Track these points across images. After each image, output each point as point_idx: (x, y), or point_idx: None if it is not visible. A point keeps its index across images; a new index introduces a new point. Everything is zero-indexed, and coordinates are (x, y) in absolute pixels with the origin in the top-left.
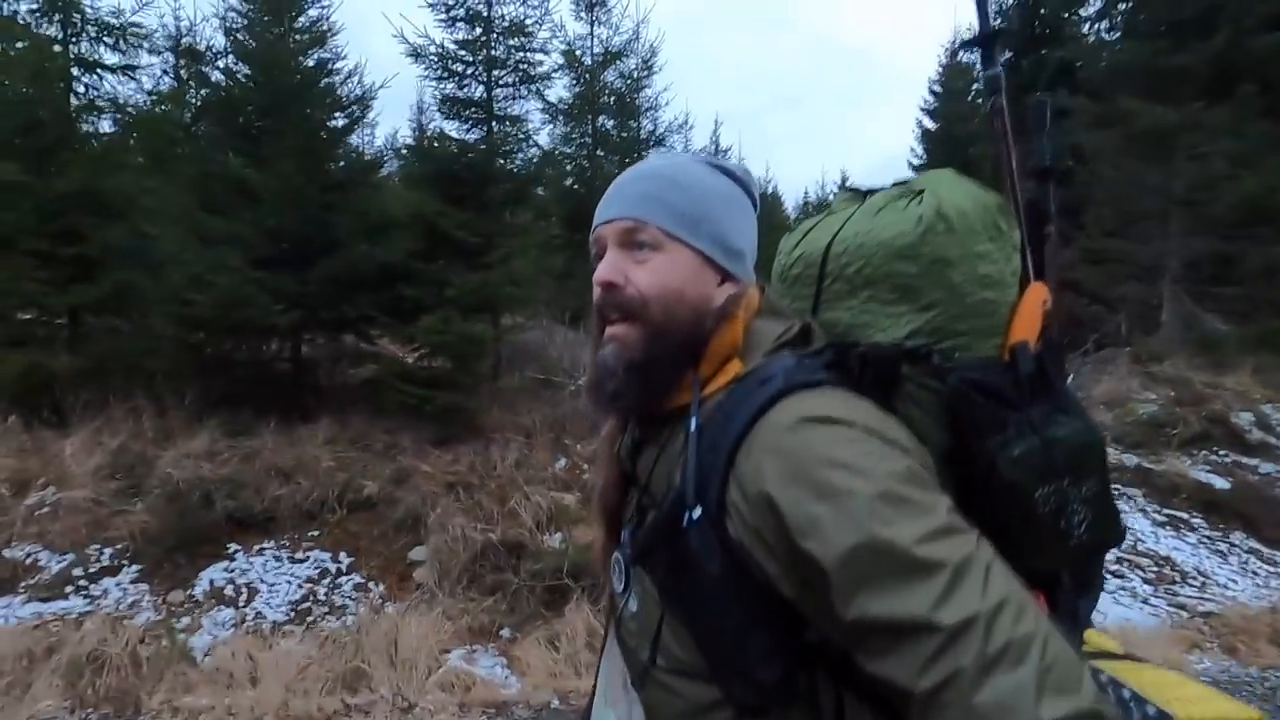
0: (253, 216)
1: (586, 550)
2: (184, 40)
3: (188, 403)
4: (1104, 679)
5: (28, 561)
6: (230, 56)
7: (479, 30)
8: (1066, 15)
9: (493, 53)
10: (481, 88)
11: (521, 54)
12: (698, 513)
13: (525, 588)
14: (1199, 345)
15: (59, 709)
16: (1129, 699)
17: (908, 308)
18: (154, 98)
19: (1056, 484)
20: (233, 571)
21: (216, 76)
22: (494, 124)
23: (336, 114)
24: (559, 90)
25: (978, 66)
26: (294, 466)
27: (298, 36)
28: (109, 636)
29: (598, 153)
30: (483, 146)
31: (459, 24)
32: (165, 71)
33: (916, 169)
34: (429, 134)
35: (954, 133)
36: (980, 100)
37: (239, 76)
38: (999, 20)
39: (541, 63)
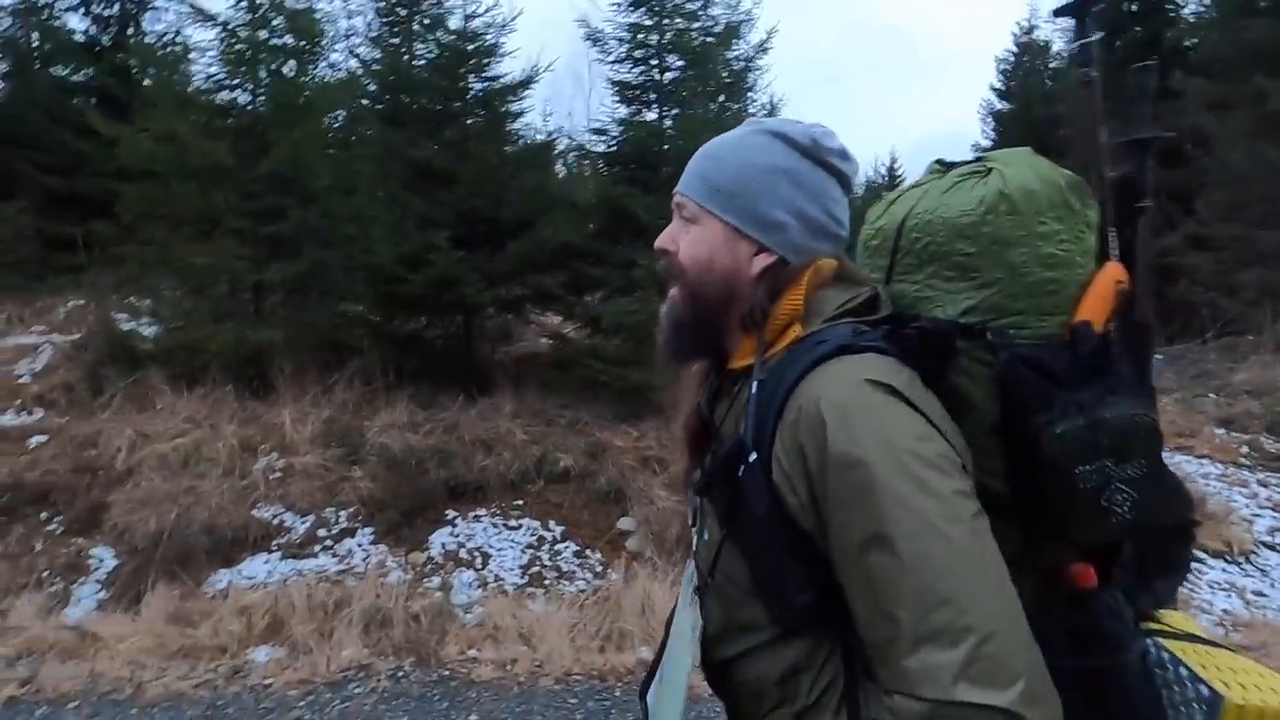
0: (450, 198)
1: None
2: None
3: (383, 377)
4: (1164, 656)
5: (275, 521)
6: (413, 41)
7: (654, 14)
8: None
9: (664, 36)
10: (656, 71)
11: (690, 36)
12: (753, 458)
13: None
14: None
15: (370, 656)
16: (1185, 677)
17: (965, 285)
18: (335, 81)
19: (1098, 463)
20: (459, 536)
21: (395, 61)
22: (664, 106)
23: (510, 97)
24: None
25: (1060, 40)
26: (494, 438)
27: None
28: (379, 593)
29: None
30: (668, 128)
31: (636, 9)
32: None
33: (982, 150)
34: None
35: (1033, 112)
36: (1052, 81)
37: (418, 60)
38: None
39: (704, 45)
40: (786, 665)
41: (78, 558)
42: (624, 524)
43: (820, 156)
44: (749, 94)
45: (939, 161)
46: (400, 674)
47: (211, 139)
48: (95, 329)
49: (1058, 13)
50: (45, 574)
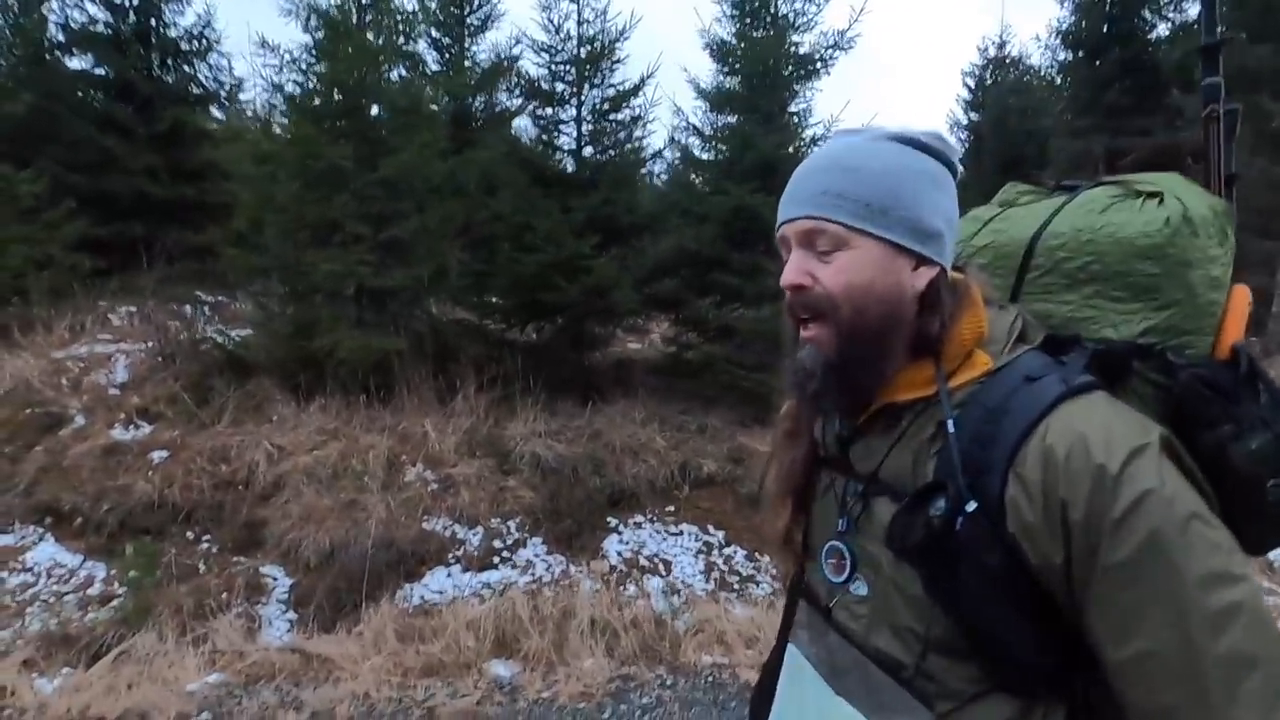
0: (582, 203)
1: None
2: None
3: (509, 384)
4: None
5: (446, 534)
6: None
7: (767, 25)
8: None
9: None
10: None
11: (794, 47)
12: (972, 507)
13: None
14: None
15: (619, 666)
16: None
17: (1142, 306)
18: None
19: None
20: (628, 543)
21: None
22: (773, 116)
23: (624, 105)
24: None
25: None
26: (639, 445)
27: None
28: (585, 602)
29: None
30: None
31: (750, 19)
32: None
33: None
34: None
35: (1008, 125)
36: (1021, 95)
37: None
38: (1223, 29)
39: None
40: None
41: (253, 577)
42: None
43: (948, 157)
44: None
45: (1032, 185)
46: (665, 682)
47: (334, 142)
48: (177, 336)
49: (1200, 51)
50: (224, 595)
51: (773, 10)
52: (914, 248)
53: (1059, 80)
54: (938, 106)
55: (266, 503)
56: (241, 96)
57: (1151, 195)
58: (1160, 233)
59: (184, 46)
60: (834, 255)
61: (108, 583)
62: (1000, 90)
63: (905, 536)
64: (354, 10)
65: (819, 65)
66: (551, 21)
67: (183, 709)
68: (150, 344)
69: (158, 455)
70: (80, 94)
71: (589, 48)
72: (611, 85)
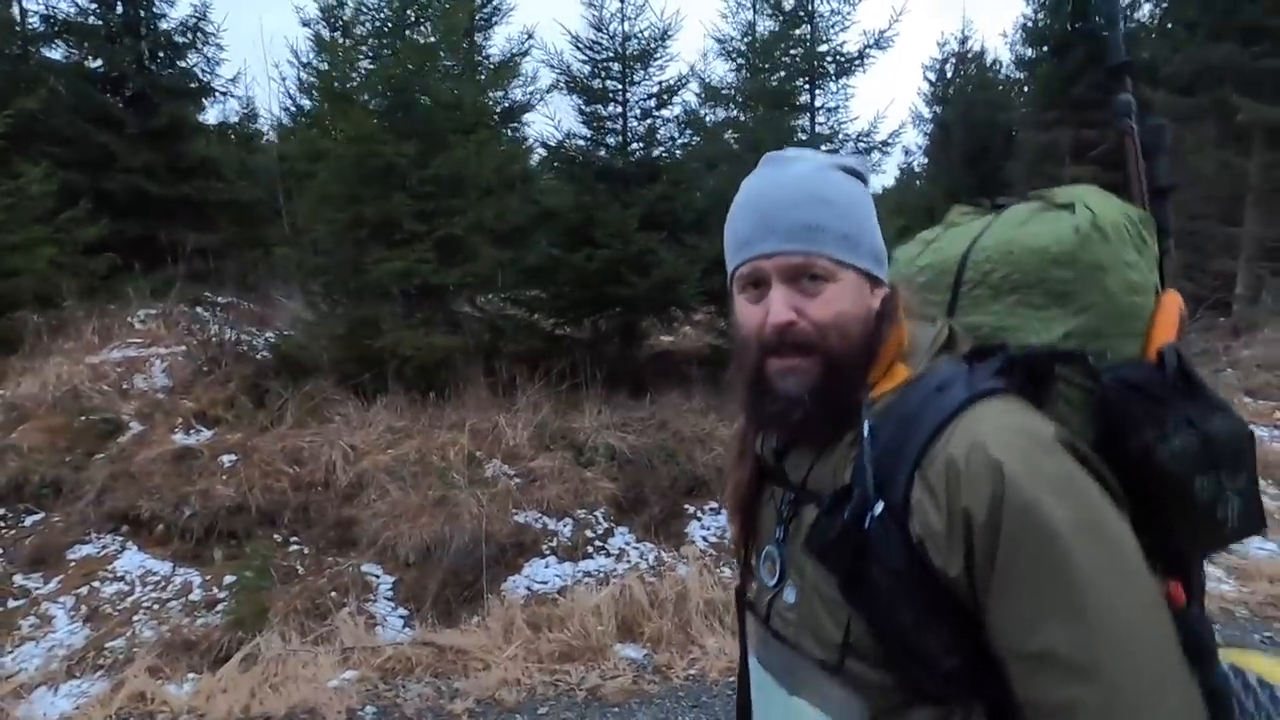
0: (628, 198)
1: None
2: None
3: (570, 377)
4: (1228, 666)
5: (539, 526)
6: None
7: (804, 26)
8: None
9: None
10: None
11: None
12: (879, 509)
13: None
14: None
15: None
16: (1254, 683)
17: (1060, 311)
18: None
19: (1213, 474)
20: (709, 529)
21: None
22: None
23: (670, 100)
24: None
25: (1004, 48)
26: (705, 435)
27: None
28: (694, 585)
29: None
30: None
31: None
32: None
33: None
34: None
35: (973, 118)
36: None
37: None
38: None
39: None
40: None
41: (356, 576)
42: None
43: (868, 179)
44: None
45: (966, 203)
46: None
47: (397, 139)
48: (219, 339)
49: (1107, 74)
50: (332, 594)
51: (810, 8)
52: (876, 273)
53: (1024, 75)
54: (899, 99)
55: (351, 502)
56: (241, 93)
57: (1065, 206)
58: (1070, 240)
59: (177, 39)
60: (821, 289)
61: (206, 588)
62: (965, 84)
63: (821, 539)
64: (406, 7)
65: (858, 62)
66: (597, 18)
67: (346, 704)
68: (187, 347)
69: (227, 459)
70: (66, 88)
71: (635, 43)
72: (657, 81)
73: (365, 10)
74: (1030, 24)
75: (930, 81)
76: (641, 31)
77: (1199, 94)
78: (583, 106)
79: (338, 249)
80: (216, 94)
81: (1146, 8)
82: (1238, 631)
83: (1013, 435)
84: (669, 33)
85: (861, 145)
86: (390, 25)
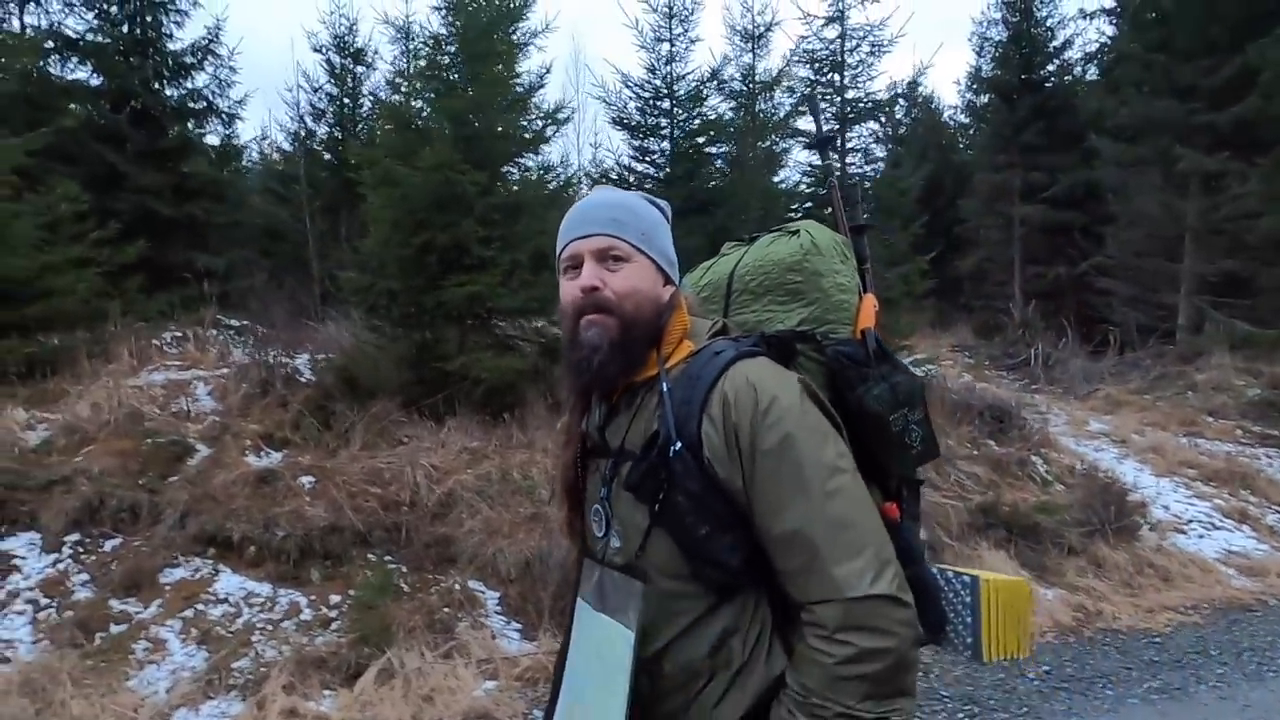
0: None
1: None
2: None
3: None
4: (935, 569)
5: None
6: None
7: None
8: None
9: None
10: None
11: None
12: (678, 445)
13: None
14: (1230, 344)
15: None
16: (952, 576)
17: (797, 305)
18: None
19: (899, 412)
20: None
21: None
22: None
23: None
24: None
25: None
26: None
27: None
28: None
29: None
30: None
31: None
32: None
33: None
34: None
35: (927, 157)
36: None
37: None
38: (832, 125)
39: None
40: (716, 635)
41: (464, 591)
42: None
43: (668, 214)
44: None
45: (735, 240)
46: None
47: (470, 168)
48: (272, 362)
49: (808, 146)
50: (445, 610)
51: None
52: (665, 270)
53: (977, 121)
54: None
55: (443, 520)
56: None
57: (794, 233)
58: (798, 254)
59: (186, 60)
60: (621, 266)
61: (315, 607)
62: (918, 126)
63: (635, 477)
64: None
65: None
66: (651, 61)
67: (515, 709)
68: (232, 370)
69: (306, 480)
70: (74, 106)
71: (684, 84)
72: (699, 115)
73: (426, 44)
74: (979, 73)
75: (880, 121)
76: (688, 73)
77: (1142, 143)
78: (631, 140)
79: (405, 274)
80: (224, 115)
81: (1092, 68)
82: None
83: (767, 374)
84: (717, 74)
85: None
86: (455, 59)
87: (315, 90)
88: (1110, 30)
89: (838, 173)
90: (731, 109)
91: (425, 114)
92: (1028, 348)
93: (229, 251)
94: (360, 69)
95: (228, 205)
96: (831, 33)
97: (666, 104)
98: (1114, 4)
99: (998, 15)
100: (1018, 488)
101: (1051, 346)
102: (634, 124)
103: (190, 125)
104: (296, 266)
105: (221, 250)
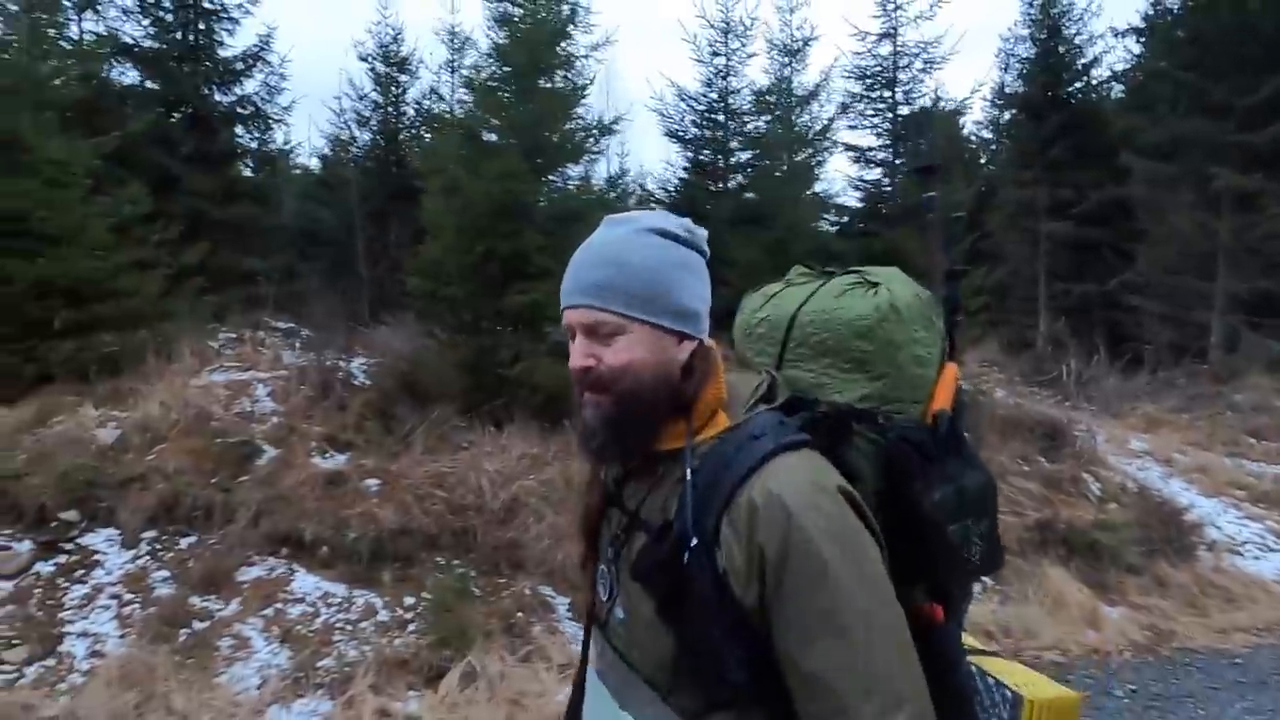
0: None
1: None
2: None
3: None
4: (973, 669)
5: None
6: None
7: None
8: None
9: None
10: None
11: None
12: (694, 542)
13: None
14: (1266, 364)
15: None
16: (992, 685)
17: (861, 376)
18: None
19: (963, 522)
20: None
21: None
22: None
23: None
24: None
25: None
26: None
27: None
28: None
29: None
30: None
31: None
32: None
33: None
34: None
35: (951, 173)
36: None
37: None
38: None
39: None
40: None
41: (534, 597)
42: None
43: (697, 245)
44: None
45: (807, 266)
46: None
47: (533, 179)
48: (317, 369)
49: (911, 171)
50: (519, 614)
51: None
52: (676, 328)
53: (1001, 136)
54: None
55: (508, 525)
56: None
57: (873, 285)
58: (872, 317)
59: (237, 66)
60: (614, 339)
61: (390, 609)
62: (938, 141)
63: (644, 566)
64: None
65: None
66: (707, 75)
67: None
68: (291, 372)
69: (371, 483)
70: (132, 110)
71: (739, 98)
72: (755, 129)
73: (490, 58)
74: (1004, 89)
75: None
76: (742, 88)
77: (1177, 161)
78: (687, 153)
79: (466, 281)
80: (271, 121)
81: (1118, 86)
82: None
83: (803, 484)
84: (769, 90)
85: None
86: (520, 72)
87: (361, 98)
88: (1136, 49)
89: (936, 208)
90: (766, 122)
91: (490, 124)
92: (1057, 364)
93: (273, 255)
94: (404, 77)
95: (270, 209)
96: (885, 49)
97: (721, 117)
98: (1142, 24)
99: (1025, 32)
100: (1071, 505)
101: (1083, 363)
102: (689, 137)
103: (239, 131)
104: (339, 271)
105: (265, 254)
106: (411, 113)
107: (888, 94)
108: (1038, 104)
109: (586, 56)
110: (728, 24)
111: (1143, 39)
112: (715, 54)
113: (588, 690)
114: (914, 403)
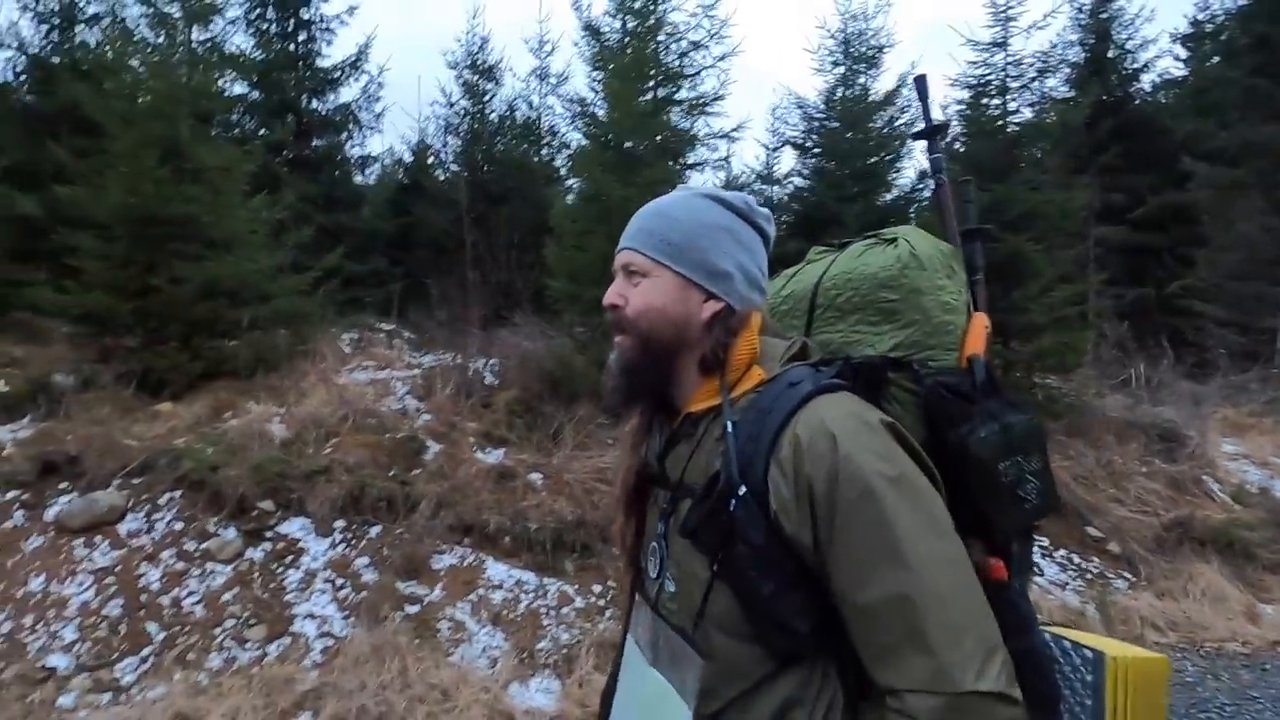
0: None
1: None
2: None
3: None
4: (1048, 636)
5: None
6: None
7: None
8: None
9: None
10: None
11: None
12: (743, 491)
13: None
14: None
15: None
16: (1069, 647)
17: (890, 326)
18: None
19: (1013, 459)
20: None
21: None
22: None
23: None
24: None
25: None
26: None
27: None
28: None
29: None
30: None
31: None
32: None
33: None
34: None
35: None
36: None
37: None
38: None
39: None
40: (778, 705)
41: None
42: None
43: (752, 218)
44: None
45: (825, 245)
46: None
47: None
48: (458, 368)
49: (914, 135)
50: None
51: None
52: (702, 283)
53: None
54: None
55: None
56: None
57: (891, 241)
58: (894, 267)
59: (336, 76)
60: (640, 282)
61: (584, 595)
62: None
63: (693, 523)
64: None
65: None
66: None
67: None
68: (420, 370)
69: (536, 477)
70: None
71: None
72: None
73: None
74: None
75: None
76: (860, 96)
77: (1244, 166)
78: (805, 160)
79: (578, 283)
80: (367, 128)
81: (1168, 91)
82: None
83: (846, 418)
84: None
85: None
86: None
87: (450, 105)
88: (1184, 54)
89: (943, 169)
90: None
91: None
92: (1125, 368)
93: (370, 259)
94: (490, 85)
95: (369, 214)
96: (998, 58)
97: (837, 124)
98: (1190, 29)
99: (1074, 37)
100: (1199, 504)
101: (1151, 368)
102: (806, 145)
103: (340, 138)
104: (440, 273)
105: (362, 258)
106: (496, 118)
107: (995, 103)
108: (1092, 107)
109: (712, 66)
110: (846, 33)
111: (1190, 45)
112: (835, 64)
113: (626, 660)
114: (946, 350)
